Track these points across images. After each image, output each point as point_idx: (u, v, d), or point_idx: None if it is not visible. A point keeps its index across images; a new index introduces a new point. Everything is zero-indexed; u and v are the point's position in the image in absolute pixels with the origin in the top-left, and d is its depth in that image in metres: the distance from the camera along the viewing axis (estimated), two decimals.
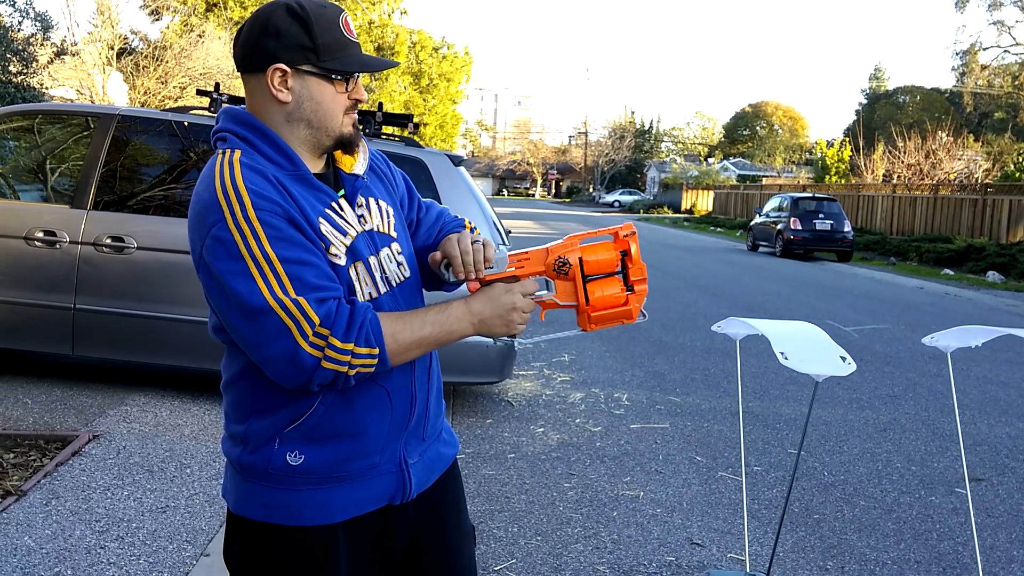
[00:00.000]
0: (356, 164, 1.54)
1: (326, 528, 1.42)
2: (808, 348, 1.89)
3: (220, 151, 1.42)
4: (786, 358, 1.85)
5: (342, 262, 1.41)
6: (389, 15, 36.04)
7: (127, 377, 5.09)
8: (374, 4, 31.57)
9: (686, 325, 8.92)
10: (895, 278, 16.38)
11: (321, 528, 1.43)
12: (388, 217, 1.55)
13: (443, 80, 42.23)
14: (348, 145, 1.49)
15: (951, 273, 17.56)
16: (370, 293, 1.45)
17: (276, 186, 1.38)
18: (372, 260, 1.47)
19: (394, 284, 1.50)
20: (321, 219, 1.41)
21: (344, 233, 1.43)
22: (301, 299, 1.31)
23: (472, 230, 1.67)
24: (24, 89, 10.30)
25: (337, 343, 1.32)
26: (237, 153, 1.40)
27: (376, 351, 1.35)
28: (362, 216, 1.49)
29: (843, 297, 12.41)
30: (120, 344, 4.78)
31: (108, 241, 4.71)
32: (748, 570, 3.14)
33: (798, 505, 3.98)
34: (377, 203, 1.54)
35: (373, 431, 1.45)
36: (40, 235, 4.72)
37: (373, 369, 1.36)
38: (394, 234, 1.55)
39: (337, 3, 1.44)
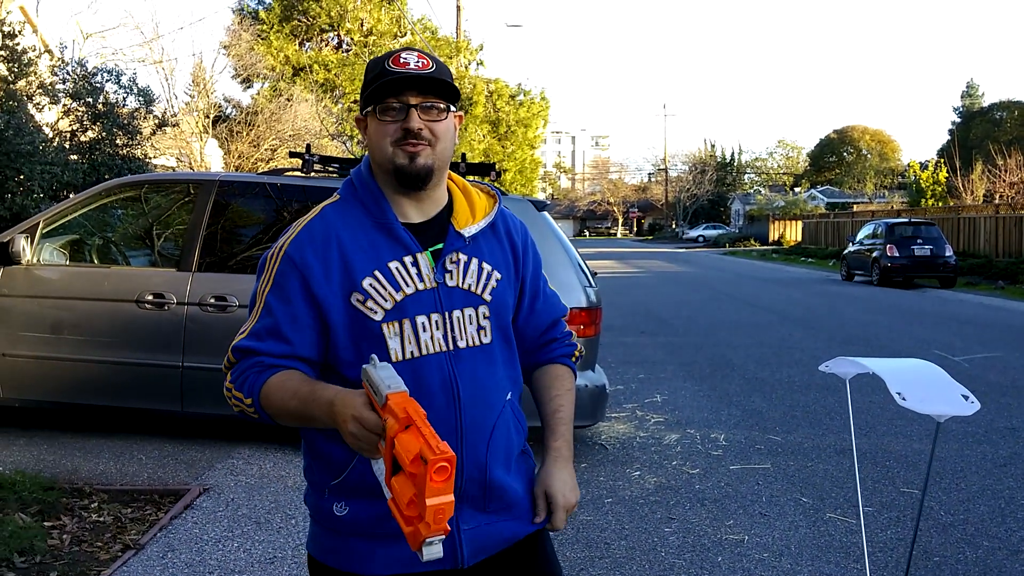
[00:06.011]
0: (471, 224, 1.52)
1: None
2: (926, 387, 1.79)
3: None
4: (904, 399, 1.77)
5: (377, 317, 1.43)
6: (467, 67, 36.93)
7: (232, 431, 5.27)
8: (451, 58, 32.45)
9: (782, 360, 8.66)
10: (1004, 303, 15.54)
11: None
12: (488, 280, 1.52)
13: (520, 127, 42.80)
14: (407, 178, 1.45)
15: None
16: (411, 352, 1.43)
17: (329, 243, 1.45)
18: (430, 318, 1.45)
19: (462, 346, 1.46)
20: (377, 272, 1.44)
21: (398, 288, 1.44)
22: (246, 331, 1.48)
23: (578, 358, 1.66)
24: (130, 160, 10.96)
25: (228, 379, 1.50)
26: (331, 199, 1.52)
27: (249, 400, 1.45)
28: (450, 272, 1.48)
29: (949, 325, 11.83)
30: (226, 399, 4.95)
31: (212, 301, 4.92)
32: None
33: (916, 547, 3.77)
34: (480, 264, 1.52)
35: None
36: (150, 298, 4.98)
37: (253, 411, 1.46)
38: (488, 298, 1.51)
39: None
